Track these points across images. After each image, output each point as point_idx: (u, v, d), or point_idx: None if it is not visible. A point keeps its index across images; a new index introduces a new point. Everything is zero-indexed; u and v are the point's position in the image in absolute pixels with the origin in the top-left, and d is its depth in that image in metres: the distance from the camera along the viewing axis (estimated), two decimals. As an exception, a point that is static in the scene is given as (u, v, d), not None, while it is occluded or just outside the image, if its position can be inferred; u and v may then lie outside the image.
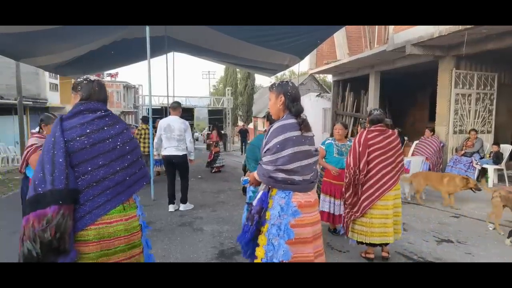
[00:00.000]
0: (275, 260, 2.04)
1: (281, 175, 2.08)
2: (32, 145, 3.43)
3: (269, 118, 3.33)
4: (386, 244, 3.48)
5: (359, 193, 3.40)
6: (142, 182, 1.95)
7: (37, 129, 3.66)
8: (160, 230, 4.51)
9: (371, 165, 3.37)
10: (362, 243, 3.47)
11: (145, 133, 7.81)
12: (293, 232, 2.06)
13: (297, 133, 2.11)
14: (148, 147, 7.49)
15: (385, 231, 3.37)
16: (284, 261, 2.03)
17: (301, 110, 2.19)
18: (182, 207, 5.50)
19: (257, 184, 2.43)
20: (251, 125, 28.71)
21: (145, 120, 8.38)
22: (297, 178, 2.10)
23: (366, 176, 3.37)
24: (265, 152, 2.14)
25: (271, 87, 2.28)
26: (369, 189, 3.36)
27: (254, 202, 2.21)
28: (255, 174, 2.28)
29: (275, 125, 2.15)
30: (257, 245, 2.16)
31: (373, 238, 3.39)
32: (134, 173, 1.88)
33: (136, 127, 9.65)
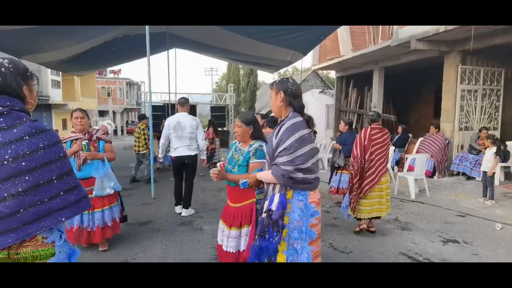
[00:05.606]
0: None
1: (300, 175, 2.01)
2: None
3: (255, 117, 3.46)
4: (378, 218, 4.29)
5: (363, 179, 4.17)
6: (59, 215, 1.37)
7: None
8: (159, 230, 4.44)
9: (372, 156, 4.15)
10: (360, 219, 4.26)
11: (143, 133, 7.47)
12: (314, 232, 2.06)
13: (308, 130, 2.06)
14: (145, 146, 7.37)
15: (380, 207, 4.22)
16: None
17: (303, 106, 2.13)
18: (184, 212, 5.11)
19: (257, 185, 2.35)
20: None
21: (141, 118, 7.98)
22: (310, 176, 2.05)
23: (369, 165, 4.15)
24: (280, 152, 2.02)
25: (272, 85, 2.22)
26: (370, 176, 4.16)
27: (274, 207, 2.02)
28: (259, 174, 2.22)
29: (287, 124, 2.05)
30: (276, 251, 2.02)
31: (372, 214, 4.21)
32: (38, 202, 1.32)
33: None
